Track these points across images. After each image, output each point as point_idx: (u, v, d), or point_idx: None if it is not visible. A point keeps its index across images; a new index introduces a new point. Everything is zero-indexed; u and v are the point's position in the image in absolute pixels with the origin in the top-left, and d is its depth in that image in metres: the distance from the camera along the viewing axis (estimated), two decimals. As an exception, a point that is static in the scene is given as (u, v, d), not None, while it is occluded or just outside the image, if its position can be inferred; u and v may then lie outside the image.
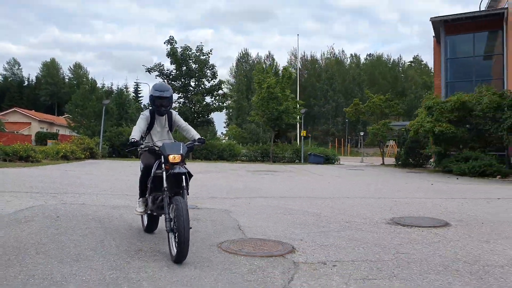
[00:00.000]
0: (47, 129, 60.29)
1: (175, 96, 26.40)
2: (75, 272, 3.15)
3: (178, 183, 3.76)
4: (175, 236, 3.44)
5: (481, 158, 14.79)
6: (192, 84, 25.09)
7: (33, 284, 2.87)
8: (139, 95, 71.93)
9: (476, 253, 4.01)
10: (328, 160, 26.73)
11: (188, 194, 3.84)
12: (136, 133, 4.14)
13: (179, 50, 24.40)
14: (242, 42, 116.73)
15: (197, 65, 24.65)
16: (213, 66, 24.99)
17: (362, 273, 3.34)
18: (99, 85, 75.65)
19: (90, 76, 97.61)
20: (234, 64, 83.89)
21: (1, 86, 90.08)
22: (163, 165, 3.83)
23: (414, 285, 3.08)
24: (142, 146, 4.01)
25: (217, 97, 25.51)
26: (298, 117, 27.03)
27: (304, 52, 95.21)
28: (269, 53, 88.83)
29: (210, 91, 25.22)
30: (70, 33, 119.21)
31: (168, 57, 24.32)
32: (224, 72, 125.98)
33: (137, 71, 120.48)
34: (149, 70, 24.37)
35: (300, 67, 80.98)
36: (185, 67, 24.52)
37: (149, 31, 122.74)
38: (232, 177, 13.01)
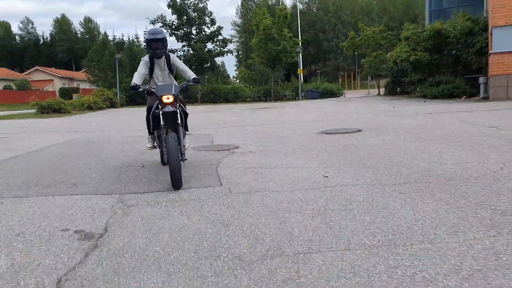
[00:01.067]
0: (68, 85, 63.41)
1: (179, 44, 28.30)
2: (104, 161, 5.77)
3: (174, 121, 4.07)
4: (168, 168, 3.88)
5: (451, 82, 16.57)
6: (194, 32, 26.84)
7: (99, 164, 5.49)
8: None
9: (366, 142, 6.41)
10: (333, 94, 28.74)
11: (187, 130, 4.45)
12: (136, 78, 4.43)
13: (178, 1, 25.90)
14: None
15: (196, 13, 26.21)
16: (211, 13, 26.54)
17: (274, 154, 5.82)
18: (110, 37, 77.17)
19: (101, 30, 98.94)
20: (240, 4, 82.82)
21: (19, 46, 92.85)
22: (159, 105, 4.10)
23: (332, 159, 5.53)
24: (141, 89, 4.30)
25: (218, 43, 27.29)
26: (295, 56, 28.59)
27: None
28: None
29: (211, 37, 26.96)
30: None
31: (169, 8, 25.96)
32: (232, 11, 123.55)
33: (144, 20, 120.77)
34: (152, 22, 26.17)
35: (306, 1, 79.31)
36: (185, 17, 26.15)
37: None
38: (228, 114, 15.49)
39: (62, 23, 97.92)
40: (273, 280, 2.02)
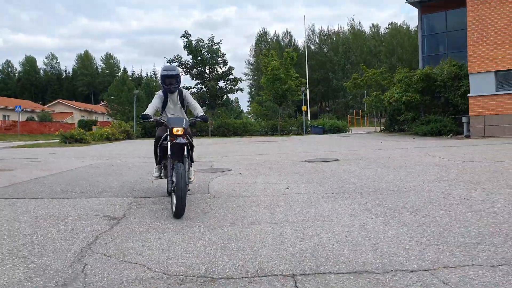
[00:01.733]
0: (87, 117, 66.42)
1: (193, 82, 30.48)
2: (122, 178, 7.25)
3: (181, 152, 4.28)
4: (176, 197, 3.98)
5: (439, 121, 17.94)
6: (207, 71, 29.07)
7: (118, 180, 6.97)
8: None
9: (334, 168, 7.79)
10: (339, 130, 30.31)
11: (193, 161, 4.62)
12: (149, 109, 4.71)
13: (193, 42, 28.37)
14: (265, 17, 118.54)
15: (209, 54, 28.56)
16: (223, 54, 28.85)
17: (258, 175, 7.24)
18: (129, 72, 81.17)
19: (121, 66, 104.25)
20: (254, 44, 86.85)
21: (42, 80, 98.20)
22: (168, 137, 4.34)
23: (300, 179, 6.94)
24: (151, 119, 4.55)
25: (229, 81, 29.40)
26: (301, 94, 30.45)
27: (321, 27, 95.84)
28: (287, 31, 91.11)
29: (222, 76, 29.14)
30: (98, 21, 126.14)
31: (185, 49, 28.38)
32: (247, 50, 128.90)
33: (162, 56, 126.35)
34: (169, 61, 28.52)
35: (318, 42, 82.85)
36: (199, 57, 28.49)
37: (172, 14, 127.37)
38: (232, 146, 17.04)
39: (84, 59, 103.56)
40: (227, 233, 3.43)
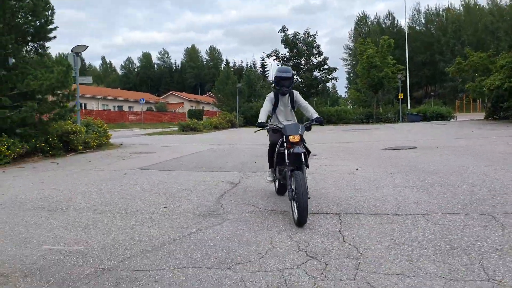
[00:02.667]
0: (195, 107, 73.33)
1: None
2: (234, 159, 9.60)
3: (298, 160, 4.23)
4: (296, 205, 3.96)
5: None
6: (302, 62, 30.82)
7: (232, 161, 9.38)
8: (266, 69, 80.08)
9: (407, 155, 9.14)
10: (442, 117, 29.61)
11: (308, 167, 4.38)
12: (262, 115, 4.69)
13: (290, 36, 30.32)
14: None
15: (305, 47, 30.21)
16: (318, 45, 30.22)
17: (338, 159, 8.95)
18: (231, 63, 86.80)
19: (223, 57, 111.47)
20: (352, 28, 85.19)
21: (156, 73, 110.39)
22: (285, 143, 4.33)
23: (372, 163, 8.61)
24: (267, 127, 4.58)
25: (324, 71, 30.73)
26: (398, 81, 30.29)
27: (427, 5, 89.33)
28: (389, 12, 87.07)
29: (317, 67, 30.58)
30: (201, 14, 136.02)
31: (282, 43, 30.49)
32: (345, 32, 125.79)
33: (261, 45, 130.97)
34: (268, 56, 30.95)
35: (423, 22, 77.70)
36: (295, 50, 30.35)
37: (269, 1, 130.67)
38: (323, 134, 18.69)
39: (191, 53, 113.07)
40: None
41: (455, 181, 5.75)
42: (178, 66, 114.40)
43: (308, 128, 4.61)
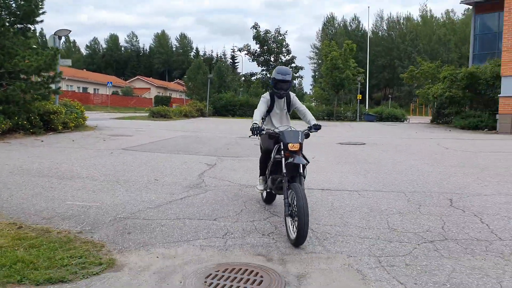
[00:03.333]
0: (162, 93, 72.96)
1: (259, 69, 33.80)
2: (208, 145, 10.78)
3: (296, 170, 3.96)
4: (293, 220, 3.63)
5: (478, 116, 19.47)
6: (272, 59, 32.21)
7: (206, 147, 10.54)
8: (236, 60, 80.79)
9: (355, 149, 10.70)
10: (396, 119, 32.03)
11: (304, 179, 4.03)
12: (257, 117, 4.35)
13: (261, 33, 31.59)
14: None
15: (275, 44, 31.62)
16: (287, 44, 31.79)
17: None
18: (201, 52, 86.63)
19: (194, 45, 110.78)
20: (320, 28, 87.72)
21: (123, 57, 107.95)
22: (282, 151, 4.00)
23: (325, 154, 10.07)
24: (264, 132, 4.19)
25: (291, 69, 32.29)
26: (357, 83, 32.45)
27: (390, 13, 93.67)
28: (355, 16, 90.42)
29: (286, 65, 32.08)
30: (173, 0, 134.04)
31: (254, 40, 31.74)
32: (314, 31, 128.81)
33: (231, 35, 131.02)
34: (239, 50, 32.06)
35: (385, 28, 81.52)
36: (266, 47, 31.69)
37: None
38: (288, 128, 20.18)
39: (161, 38, 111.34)
40: None
41: (387, 169, 7.31)
42: (146, 50, 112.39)
43: (306, 135, 4.27)
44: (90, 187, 5.55)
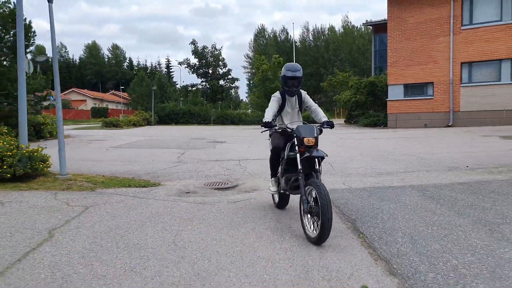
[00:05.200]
0: (98, 105, 73.24)
1: (199, 80, 37.55)
2: (168, 144, 14.44)
3: (312, 166, 3.84)
4: (313, 218, 3.53)
5: (376, 116, 25.10)
6: (210, 71, 36.14)
7: (169, 145, 14.15)
8: (171, 69, 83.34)
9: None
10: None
11: (320, 174, 3.88)
12: (269, 114, 4.26)
13: (199, 48, 35.45)
14: (265, 5, 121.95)
15: (212, 58, 35.63)
16: (223, 58, 35.98)
17: (233, 142, 14.44)
18: (135, 62, 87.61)
19: (127, 55, 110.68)
20: (252, 40, 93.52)
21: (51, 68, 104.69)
22: (296, 147, 3.90)
23: (254, 144, 14.19)
24: (276, 127, 4.17)
25: (228, 80, 36.56)
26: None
27: (315, 24, 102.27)
28: (283, 28, 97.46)
29: (222, 76, 36.25)
30: (97, 7, 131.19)
31: (192, 54, 35.48)
32: (245, 39, 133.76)
33: (161, 43, 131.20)
34: (180, 63, 35.52)
35: (312, 39, 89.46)
36: (204, 60, 35.56)
37: (172, 0, 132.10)
38: (228, 131, 24.22)
39: (92, 49, 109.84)
40: (224, 151, 10.71)
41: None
42: (75, 61, 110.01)
43: (319, 131, 4.15)
44: (118, 164, 9.09)
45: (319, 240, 3.45)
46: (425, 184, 6.14)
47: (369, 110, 26.68)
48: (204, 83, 36.50)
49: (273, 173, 4.58)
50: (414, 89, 21.92)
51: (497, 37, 19.31)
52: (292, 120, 4.55)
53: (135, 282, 2.82)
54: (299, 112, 4.66)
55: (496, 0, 19.54)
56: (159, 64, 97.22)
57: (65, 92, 76.42)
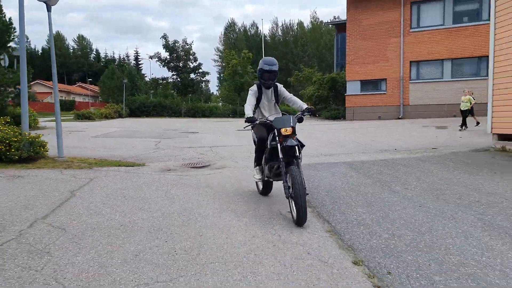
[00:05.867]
0: (65, 97, 72.01)
1: (170, 73, 38.46)
2: (143, 134, 15.74)
3: (292, 154, 4.13)
4: (294, 203, 3.90)
5: (337, 109, 27.18)
6: (181, 65, 37.14)
7: (145, 134, 15.44)
8: (139, 62, 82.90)
9: (250, 135, 16.61)
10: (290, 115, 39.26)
11: (301, 161, 4.24)
12: (248, 109, 4.53)
13: (170, 43, 36.36)
14: None
15: (183, 52, 36.63)
16: (194, 52, 37.06)
17: (205, 133, 15.93)
18: (102, 54, 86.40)
19: (93, 47, 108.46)
20: (222, 33, 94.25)
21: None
22: (277, 137, 4.20)
23: (227, 137, 15.71)
24: (257, 121, 4.47)
25: (198, 74, 37.72)
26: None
27: (284, 20, 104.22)
28: (253, 22, 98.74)
29: (193, 70, 37.36)
30: None
31: (164, 48, 36.33)
32: (215, 31, 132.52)
33: (128, 33, 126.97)
34: (151, 57, 36.30)
35: (280, 34, 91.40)
36: (175, 54, 36.51)
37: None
38: (200, 123, 25.57)
39: (56, 39, 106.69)
40: (194, 140, 12.21)
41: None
42: (38, 51, 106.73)
43: (300, 120, 4.47)
44: (103, 150, 10.38)
45: (297, 223, 3.90)
46: (354, 161, 7.93)
47: (331, 104, 28.76)
48: (175, 77, 37.47)
49: (258, 162, 4.82)
50: (369, 85, 24.12)
51: (440, 39, 21.71)
52: (270, 112, 4.81)
53: (145, 214, 4.37)
54: (276, 105, 4.87)
55: (439, 7, 21.90)
56: (127, 56, 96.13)
57: (29, 84, 74.63)
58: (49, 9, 8.19)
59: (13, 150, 7.55)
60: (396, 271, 2.93)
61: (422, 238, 3.58)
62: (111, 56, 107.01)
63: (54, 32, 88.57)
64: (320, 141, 12.29)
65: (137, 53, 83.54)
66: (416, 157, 8.17)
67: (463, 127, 14.50)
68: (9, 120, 9.09)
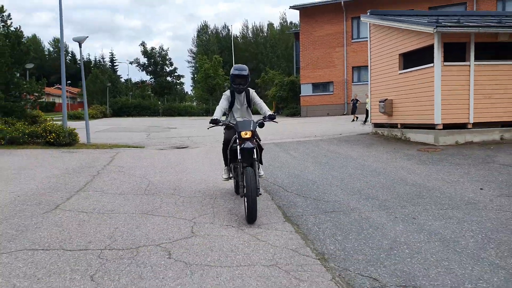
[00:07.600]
0: (45, 99, 73.68)
1: (148, 77, 42.27)
2: (134, 130, 19.83)
3: (250, 156, 4.40)
4: (246, 201, 4.11)
5: (295, 108, 31.82)
6: (158, 69, 41.06)
7: (135, 129, 19.52)
8: (115, 63, 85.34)
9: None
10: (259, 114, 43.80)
11: (262, 163, 4.67)
12: (218, 112, 4.90)
13: (148, 49, 40.25)
14: None
15: (160, 58, 40.57)
16: (170, 58, 41.18)
17: (181, 127, 20.17)
18: (77, 56, 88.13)
19: (69, 50, 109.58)
20: (195, 35, 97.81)
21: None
22: (237, 140, 4.51)
23: (203, 132, 19.98)
24: (221, 123, 4.79)
25: (174, 77, 41.79)
26: (225, 87, 43.45)
27: (254, 22, 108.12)
28: (225, 25, 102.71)
29: (169, 74, 41.39)
30: None
31: (142, 55, 40.22)
32: (186, 29, 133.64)
33: (99, 33, 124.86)
34: (130, 63, 40.01)
35: (250, 35, 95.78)
36: (152, 60, 40.40)
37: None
38: (177, 121, 29.65)
39: (32, 42, 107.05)
40: (182, 135, 16.50)
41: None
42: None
43: (260, 125, 4.76)
44: (110, 139, 14.46)
45: (248, 220, 4.16)
46: (281, 142, 12.42)
47: (291, 103, 33.46)
48: (152, 80, 41.35)
49: (226, 163, 5.10)
50: (319, 87, 28.93)
51: (374, 49, 26.67)
52: (242, 115, 5.10)
53: (155, 162, 8.72)
54: (248, 108, 5.17)
55: (373, 22, 26.87)
56: (103, 58, 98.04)
57: (42, 92, 75.65)
58: (80, 46, 12.27)
59: (61, 137, 11.66)
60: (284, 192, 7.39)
61: (296, 177, 8.07)
62: (86, 58, 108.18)
63: (29, 35, 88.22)
64: (272, 132, 16.72)
65: (112, 54, 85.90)
66: (321, 139, 12.75)
67: (364, 121, 18.89)
68: (41, 113, 13.15)
